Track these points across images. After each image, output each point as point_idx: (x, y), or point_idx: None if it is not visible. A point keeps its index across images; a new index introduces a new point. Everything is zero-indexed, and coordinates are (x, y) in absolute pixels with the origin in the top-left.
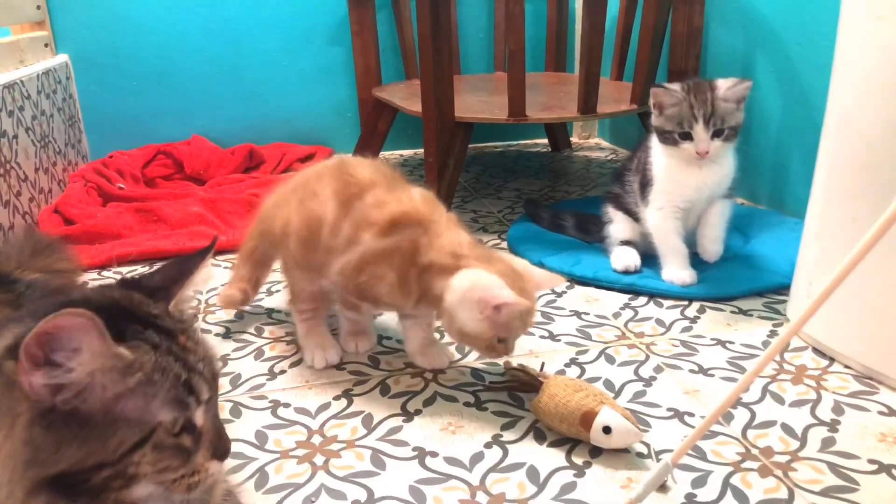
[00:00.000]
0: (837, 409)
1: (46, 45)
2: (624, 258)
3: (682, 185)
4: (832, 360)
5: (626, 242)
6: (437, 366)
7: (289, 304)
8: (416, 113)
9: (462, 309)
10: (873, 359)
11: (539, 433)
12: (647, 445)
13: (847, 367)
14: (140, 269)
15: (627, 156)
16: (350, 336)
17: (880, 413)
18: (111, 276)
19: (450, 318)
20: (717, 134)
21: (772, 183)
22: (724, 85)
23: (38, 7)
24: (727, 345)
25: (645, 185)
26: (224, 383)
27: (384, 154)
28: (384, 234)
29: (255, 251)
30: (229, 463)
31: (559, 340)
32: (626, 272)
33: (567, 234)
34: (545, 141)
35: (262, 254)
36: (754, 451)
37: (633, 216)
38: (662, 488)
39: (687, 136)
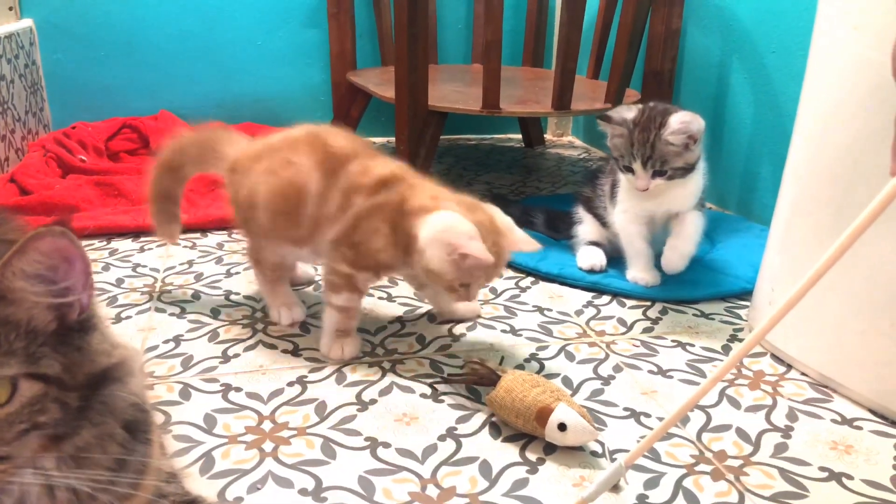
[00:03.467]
0: (792, 415)
1: (11, 9)
2: (590, 257)
3: (641, 199)
4: (790, 366)
5: (594, 243)
6: (476, 312)
7: (254, 265)
8: (389, 99)
9: (431, 247)
10: (829, 367)
11: (494, 428)
12: (602, 444)
13: (804, 374)
14: (97, 244)
15: (605, 159)
16: (336, 338)
17: (833, 421)
18: None
19: (419, 255)
20: (658, 174)
21: (740, 189)
22: (674, 124)
23: None
24: (687, 347)
25: (614, 185)
26: (175, 364)
27: None
28: (373, 194)
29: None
30: (175, 445)
31: (520, 335)
32: (592, 271)
33: (536, 230)
34: (519, 136)
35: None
36: (708, 455)
37: (602, 221)
38: (614, 488)
39: (630, 170)
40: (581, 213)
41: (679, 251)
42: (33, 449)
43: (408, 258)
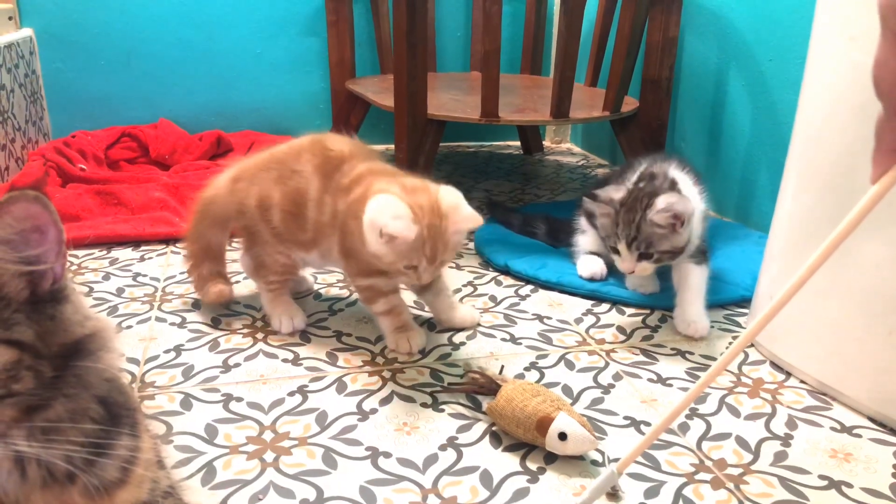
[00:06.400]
0: (791, 423)
1: (10, 19)
2: (590, 265)
3: None
4: (789, 374)
5: (594, 253)
6: (475, 321)
7: (254, 274)
8: (388, 108)
9: (367, 231)
10: (828, 375)
11: (495, 437)
12: (602, 453)
13: (803, 382)
14: (97, 253)
15: (604, 166)
16: (398, 334)
17: (832, 429)
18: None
19: (364, 240)
20: (644, 256)
21: (739, 196)
22: (659, 204)
23: None
24: (686, 355)
25: None
26: (176, 374)
27: None
28: (349, 193)
29: (210, 246)
30: (176, 456)
31: (520, 344)
32: (592, 279)
33: (537, 239)
34: (517, 143)
35: (217, 245)
36: (708, 463)
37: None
38: (615, 497)
39: (616, 251)
40: (583, 224)
41: (696, 306)
42: (5, 420)
43: None
